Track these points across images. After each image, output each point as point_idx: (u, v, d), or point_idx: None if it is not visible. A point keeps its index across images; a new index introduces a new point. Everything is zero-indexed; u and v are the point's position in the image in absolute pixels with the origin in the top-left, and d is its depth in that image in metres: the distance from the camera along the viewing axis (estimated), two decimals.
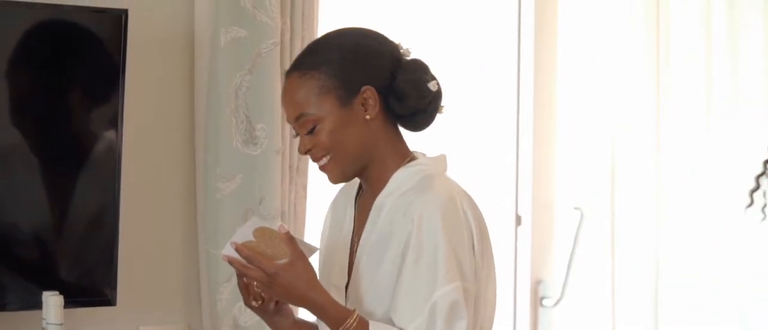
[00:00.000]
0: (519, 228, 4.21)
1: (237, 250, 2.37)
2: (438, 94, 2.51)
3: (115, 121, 3.13)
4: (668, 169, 4.38)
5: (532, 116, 4.18)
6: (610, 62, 4.31)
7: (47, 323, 2.82)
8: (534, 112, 4.19)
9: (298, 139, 2.51)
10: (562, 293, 4.23)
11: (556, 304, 4.24)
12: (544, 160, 4.23)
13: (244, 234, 2.39)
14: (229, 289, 3.27)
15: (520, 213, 4.21)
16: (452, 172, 2.57)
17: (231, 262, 2.39)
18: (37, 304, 2.88)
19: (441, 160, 2.55)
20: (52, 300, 2.83)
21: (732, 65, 4.42)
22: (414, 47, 2.55)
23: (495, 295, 2.53)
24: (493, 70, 4.18)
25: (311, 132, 2.45)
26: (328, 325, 2.42)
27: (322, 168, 2.50)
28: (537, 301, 4.26)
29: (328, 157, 2.46)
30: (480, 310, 2.47)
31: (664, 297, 4.39)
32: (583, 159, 4.30)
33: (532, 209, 4.20)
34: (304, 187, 3.44)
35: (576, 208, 4.25)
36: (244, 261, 2.38)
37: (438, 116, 2.55)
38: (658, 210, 4.37)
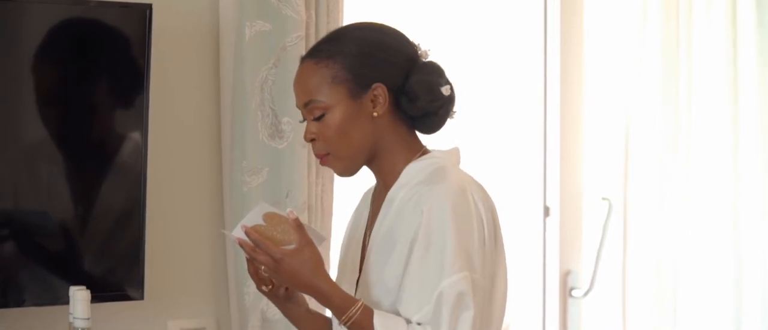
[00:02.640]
0: (547, 219, 4.20)
1: (246, 233, 2.37)
2: (450, 99, 2.51)
3: (140, 116, 3.12)
4: (696, 160, 4.36)
5: (559, 107, 4.18)
6: (637, 54, 4.28)
7: (74, 318, 2.81)
8: (561, 103, 4.18)
9: (304, 124, 2.51)
10: (592, 284, 4.22)
11: (585, 294, 4.23)
12: (572, 152, 4.22)
13: (254, 218, 2.39)
14: None
15: (548, 204, 4.20)
16: (480, 165, 2.56)
17: (241, 244, 2.39)
18: (64, 299, 2.88)
19: (454, 152, 2.54)
20: (80, 294, 2.82)
21: (760, 60, 4.39)
22: (440, 40, 2.55)
23: (506, 289, 2.50)
24: (520, 62, 4.17)
25: (319, 119, 2.45)
26: (333, 313, 2.42)
27: (324, 163, 2.50)
28: (566, 291, 4.25)
29: (330, 154, 2.46)
30: (490, 303, 2.45)
31: (693, 288, 4.37)
32: (611, 150, 4.29)
33: (560, 200, 4.19)
34: (331, 181, 3.44)
35: (604, 199, 4.24)
36: (252, 244, 2.38)
37: (460, 113, 2.54)
38: (687, 201, 4.35)
